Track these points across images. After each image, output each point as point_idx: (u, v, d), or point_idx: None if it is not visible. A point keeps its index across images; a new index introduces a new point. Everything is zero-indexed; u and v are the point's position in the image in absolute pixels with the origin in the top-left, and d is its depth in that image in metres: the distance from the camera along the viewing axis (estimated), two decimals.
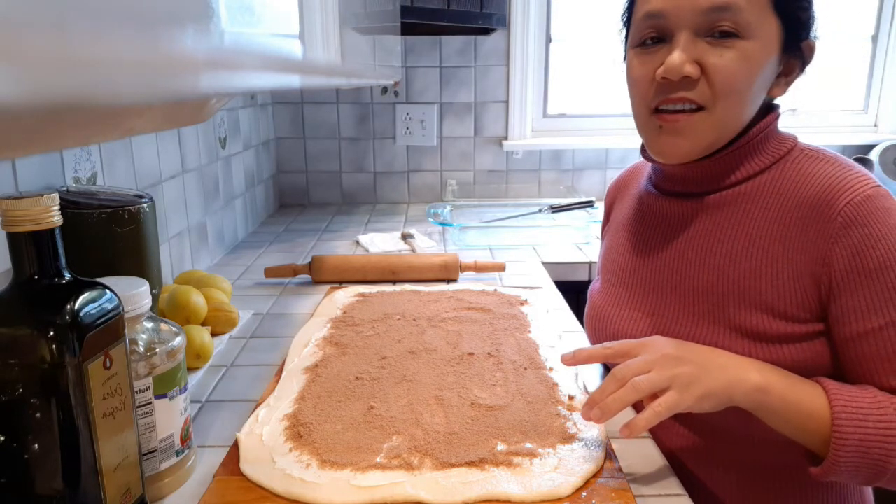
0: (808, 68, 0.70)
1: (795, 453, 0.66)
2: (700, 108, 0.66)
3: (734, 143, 0.69)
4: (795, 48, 0.67)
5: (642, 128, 0.72)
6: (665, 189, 0.77)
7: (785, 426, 0.61)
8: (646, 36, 0.68)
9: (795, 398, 0.60)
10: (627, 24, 0.73)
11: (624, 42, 0.75)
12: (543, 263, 1.30)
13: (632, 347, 0.63)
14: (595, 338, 0.82)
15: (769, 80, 0.67)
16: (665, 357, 0.59)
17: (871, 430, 0.58)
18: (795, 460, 0.67)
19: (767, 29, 0.64)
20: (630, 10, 0.72)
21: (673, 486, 0.60)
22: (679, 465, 0.72)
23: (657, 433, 0.72)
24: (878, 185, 0.63)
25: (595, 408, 0.59)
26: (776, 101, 0.72)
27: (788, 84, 0.70)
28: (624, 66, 0.74)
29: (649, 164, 0.82)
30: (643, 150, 0.79)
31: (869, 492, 0.75)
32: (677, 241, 0.73)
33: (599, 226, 1.43)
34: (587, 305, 0.86)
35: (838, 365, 0.65)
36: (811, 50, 0.68)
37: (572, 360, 0.65)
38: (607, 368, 0.84)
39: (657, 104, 0.68)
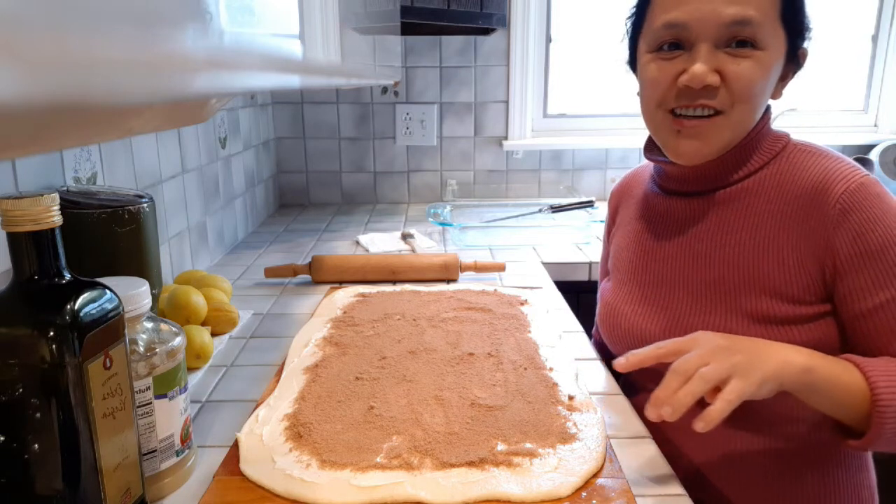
0: (799, 72, 0.76)
1: (813, 431, 0.70)
2: (717, 113, 0.71)
3: (736, 144, 0.74)
4: (794, 56, 0.74)
5: (657, 128, 0.76)
6: (670, 189, 0.82)
7: (827, 403, 0.63)
8: (664, 42, 0.72)
9: (835, 376, 0.62)
10: (637, 26, 0.77)
11: (630, 41, 0.79)
12: (543, 263, 1.30)
13: (683, 344, 0.64)
14: (610, 335, 0.85)
15: (774, 85, 0.73)
16: (718, 348, 0.61)
17: None
18: (814, 439, 0.71)
19: (777, 39, 0.70)
20: (642, 13, 0.76)
21: (673, 485, 0.60)
22: (697, 450, 0.75)
23: (668, 424, 0.73)
24: (868, 174, 0.70)
25: (665, 405, 0.58)
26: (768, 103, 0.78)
27: (783, 87, 0.76)
28: (621, 63, 0.79)
29: (651, 167, 0.87)
30: (646, 151, 0.83)
31: (871, 469, 0.78)
32: (685, 237, 0.78)
33: (600, 226, 1.45)
34: (599, 305, 0.89)
35: (846, 343, 0.69)
36: (804, 57, 0.76)
37: (626, 365, 0.65)
38: (611, 370, 0.84)
39: (675, 107, 0.72)
